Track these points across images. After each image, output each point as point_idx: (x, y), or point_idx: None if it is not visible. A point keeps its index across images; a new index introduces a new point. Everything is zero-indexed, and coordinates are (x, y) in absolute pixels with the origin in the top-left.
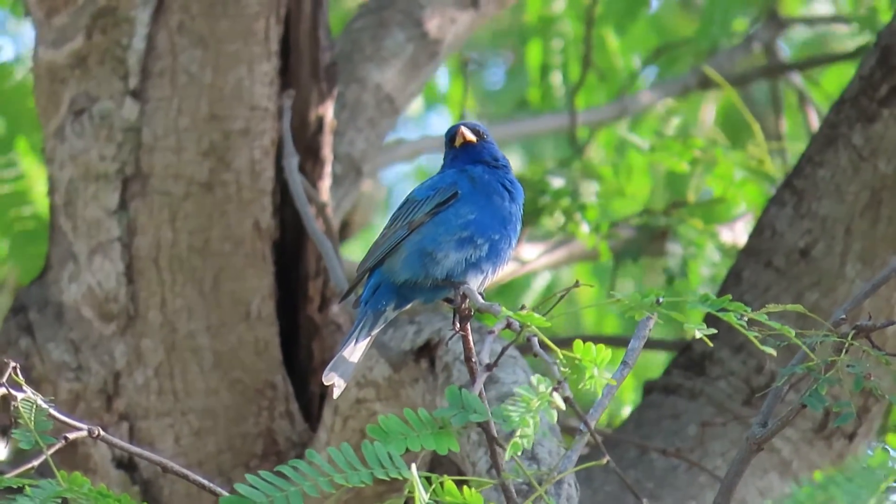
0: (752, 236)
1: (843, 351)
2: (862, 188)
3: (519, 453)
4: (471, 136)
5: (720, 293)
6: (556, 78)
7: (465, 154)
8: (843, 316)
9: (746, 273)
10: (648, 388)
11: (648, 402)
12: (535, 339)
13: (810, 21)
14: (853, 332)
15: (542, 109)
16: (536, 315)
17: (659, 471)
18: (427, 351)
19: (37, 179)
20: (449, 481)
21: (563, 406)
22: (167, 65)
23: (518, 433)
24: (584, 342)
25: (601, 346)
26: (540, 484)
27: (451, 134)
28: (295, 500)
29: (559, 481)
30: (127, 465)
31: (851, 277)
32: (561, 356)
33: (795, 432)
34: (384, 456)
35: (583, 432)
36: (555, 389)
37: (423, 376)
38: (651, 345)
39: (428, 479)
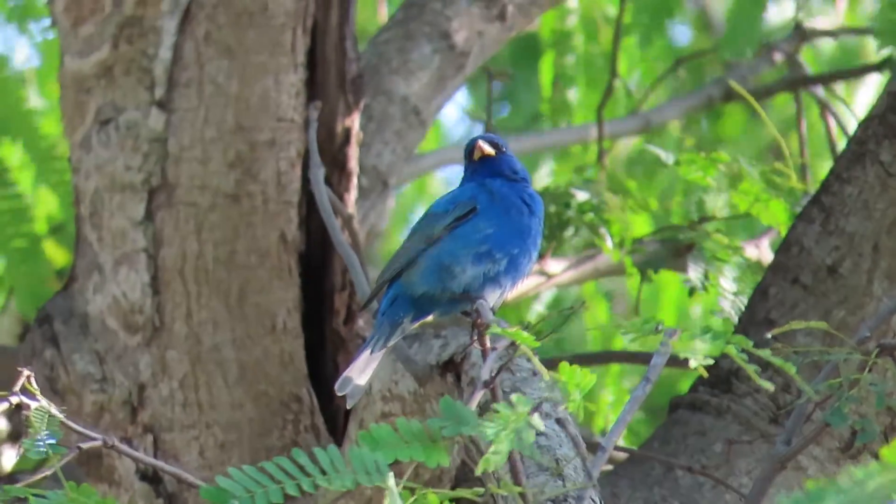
0: (779, 253)
1: (867, 369)
2: (890, 205)
3: (491, 469)
4: (489, 150)
5: (747, 310)
6: (569, 93)
7: (483, 168)
8: (868, 334)
9: (773, 290)
10: (675, 405)
11: (674, 419)
12: (536, 358)
13: (834, 33)
14: (877, 350)
15: (555, 124)
16: (524, 333)
17: (684, 488)
18: (453, 366)
19: (33, 195)
20: (432, 494)
21: (542, 427)
22: (194, 75)
23: (492, 450)
24: (597, 358)
25: (586, 370)
26: (566, 499)
27: (470, 147)
28: (275, 497)
29: (580, 496)
30: (151, 477)
31: (879, 295)
32: (547, 377)
33: (822, 451)
34: (370, 463)
35: (604, 449)
36: (535, 410)
37: (449, 391)
38: (675, 362)
39: (412, 491)
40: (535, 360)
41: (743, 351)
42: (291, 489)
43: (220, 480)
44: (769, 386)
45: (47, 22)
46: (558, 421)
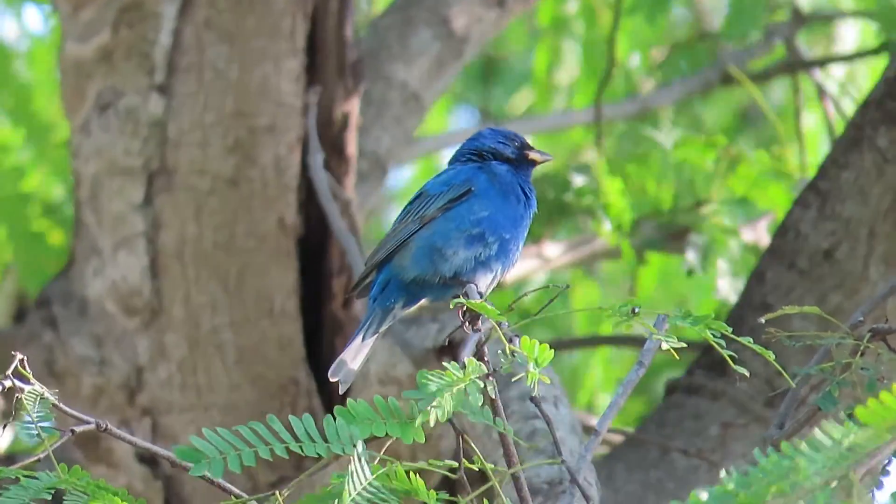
0: (775, 237)
1: (859, 353)
2: (886, 190)
3: (430, 422)
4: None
5: (744, 293)
6: (564, 78)
7: (524, 171)
8: (862, 318)
9: (770, 274)
10: (671, 388)
11: (671, 403)
12: (517, 340)
13: (831, 17)
14: (869, 334)
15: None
16: (489, 306)
17: (680, 471)
18: (450, 349)
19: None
20: (400, 468)
21: (492, 395)
22: (193, 60)
23: (433, 403)
24: (591, 342)
25: (545, 345)
26: (561, 482)
27: (527, 143)
28: (248, 460)
29: (572, 481)
30: (150, 459)
31: (874, 279)
32: (509, 350)
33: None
34: (344, 434)
35: (598, 432)
36: (488, 376)
37: None
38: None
39: (382, 464)
40: (499, 331)
41: (722, 336)
42: (264, 453)
43: (194, 440)
44: (744, 372)
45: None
46: (492, 402)
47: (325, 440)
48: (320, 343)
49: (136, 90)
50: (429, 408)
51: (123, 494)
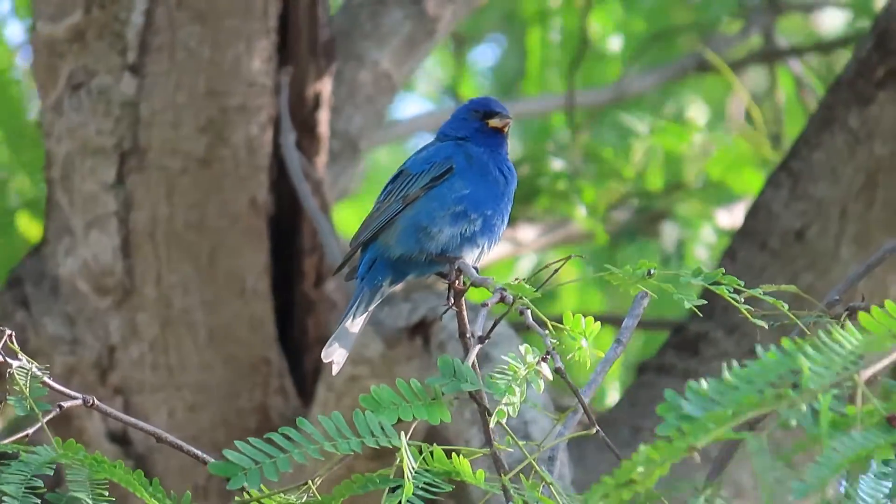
0: (747, 217)
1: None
2: (857, 171)
3: (504, 420)
4: (506, 126)
5: None
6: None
7: (494, 138)
8: (837, 297)
9: (741, 254)
10: (642, 368)
11: (642, 382)
12: (528, 312)
13: (807, 7)
14: (846, 313)
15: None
16: (528, 286)
17: None
18: (422, 329)
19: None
20: (438, 450)
21: (550, 376)
22: (166, 40)
23: (504, 401)
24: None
25: (590, 318)
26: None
27: (490, 111)
28: (283, 466)
29: (551, 458)
30: (121, 439)
31: (846, 259)
32: (550, 327)
33: None
34: (375, 425)
35: (575, 408)
36: (542, 359)
37: (418, 354)
38: (645, 324)
39: (419, 449)
40: (536, 310)
41: (735, 291)
42: (299, 457)
43: (227, 454)
44: (763, 325)
45: None
46: (558, 370)
47: (358, 435)
48: (292, 323)
49: (108, 70)
50: (501, 406)
51: (122, 466)
